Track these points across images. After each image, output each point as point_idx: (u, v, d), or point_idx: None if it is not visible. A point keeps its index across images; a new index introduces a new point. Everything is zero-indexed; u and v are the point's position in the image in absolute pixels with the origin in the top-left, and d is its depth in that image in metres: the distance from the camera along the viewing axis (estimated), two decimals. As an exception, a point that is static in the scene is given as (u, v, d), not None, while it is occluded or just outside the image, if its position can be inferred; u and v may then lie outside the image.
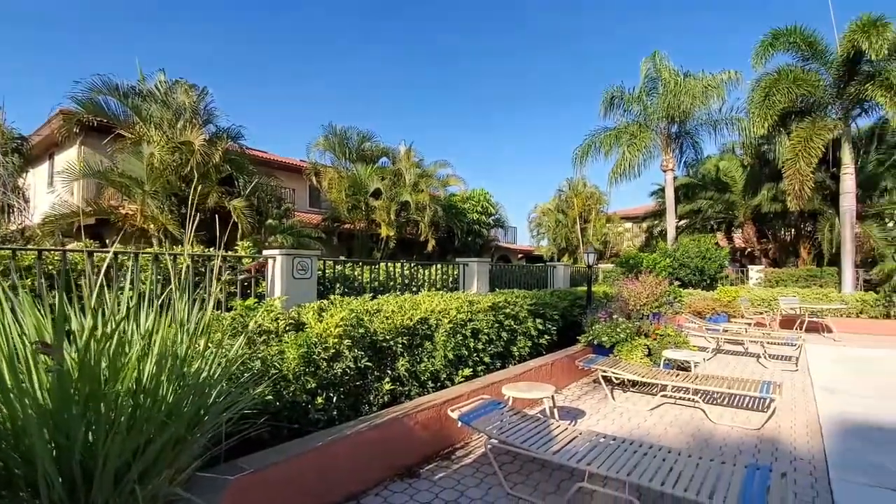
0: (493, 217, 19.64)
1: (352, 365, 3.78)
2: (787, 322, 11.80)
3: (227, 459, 2.69)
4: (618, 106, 17.20)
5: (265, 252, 5.24)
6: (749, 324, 10.57)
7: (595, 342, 6.52)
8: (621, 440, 3.51)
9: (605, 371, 5.53)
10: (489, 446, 3.69)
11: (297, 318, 4.02)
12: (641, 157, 16.11)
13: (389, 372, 4.25)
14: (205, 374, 2.38)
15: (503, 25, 53.85)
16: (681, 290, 11.92)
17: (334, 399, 3.64)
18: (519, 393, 4.34)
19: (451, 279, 8.23)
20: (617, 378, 5.76)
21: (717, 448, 4.18)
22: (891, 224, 16.46)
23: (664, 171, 17.06)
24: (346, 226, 15.41)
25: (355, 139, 15.14)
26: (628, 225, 25.20)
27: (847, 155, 13.79)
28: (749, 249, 19.36)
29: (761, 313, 12.22)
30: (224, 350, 2.64)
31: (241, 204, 9.34)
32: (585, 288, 9.08)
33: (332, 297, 4.77)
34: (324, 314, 3.99)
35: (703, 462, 3.12)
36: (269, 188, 11.12)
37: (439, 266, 8.30)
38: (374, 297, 5.11)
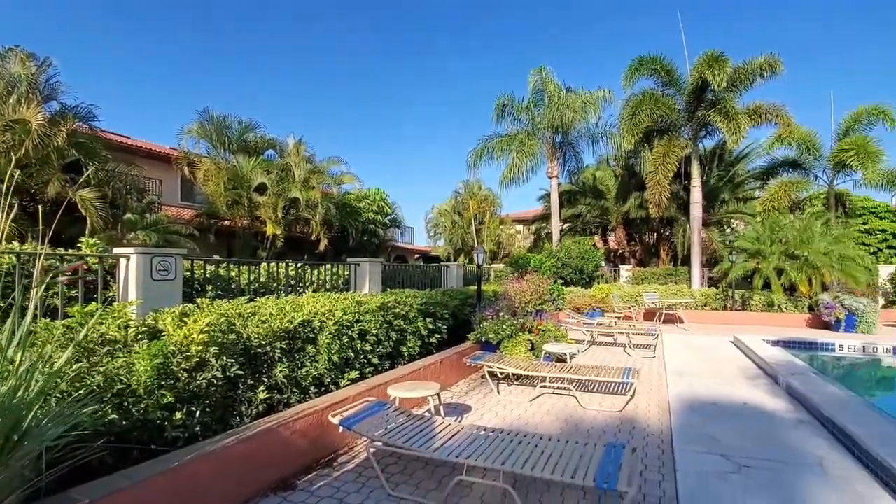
0: (389, 217, 19.62)
1: (219, 374, 3.47)
2: (650, 315, 13.55)
3: (58, 490, 2.31)
4: (509, 114, 18.37)
5: (116, 250, 4.60)
6: (619, 318, 11.93)
7: (483, 339, 6.83)
8: (500, 432, 3.72)
9: (490, 367, 5.82)
10: (371, 450, 3.66)
11: (152, 325, 3.59)
12: (529, 163, 17.43)
13: (266, 380, 3.99)
14: (20, 394, 2.04)
15: (409, 25, 54.20)
16: (563, 288, 13.05)
17: (197, 413, 3.30)
18: (405, 393, 4.37)
19: (341, 280, 8.02)
20: (502, 373, 6.09)
21: (586, 431, 4.63)
22: (728, 230, 19.80)
23: (550, 178, 18.60)
24: (226, 222, 14.22)
25: (236, 128, 14.06)
26: (520, 227, 26.91)
27: (696, 170, 16.27)
28: (621, 251, 21.90)
29: (629, 308, 13.87)
30: (51, 365, 2.27)
31: (90, 195, 8.12)
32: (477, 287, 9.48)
33: (200, 300, 4.34)
34: (186, 319, 3.61)
35: (570, 445, 3.42)
36: (128, 178, 9.82)
37: (329, 266, 8.04)
38: (251, 300, 4.77)
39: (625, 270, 18.06)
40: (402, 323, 5.86)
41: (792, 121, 15.55)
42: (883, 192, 17.56)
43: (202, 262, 5.70)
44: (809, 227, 13.67)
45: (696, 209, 16.16)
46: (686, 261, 18.07)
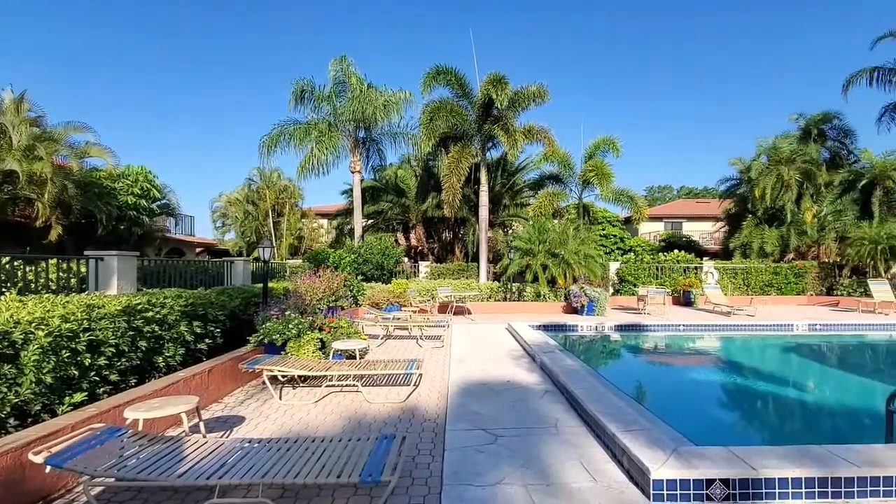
0: (159, 202, 16.63)
1: None
2: (443, 307, 14.74)
3: None
4: (309, 101, 17.66)
5: None
6: (415, 311, 12.61)
7: (266, 341, 6.31)
8: (269, 441, 3.43)
9: (271, 370, 5.38)
10: (93, 490, 2.95)
11: None
12: (331, 155, 17.09)
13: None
14: None
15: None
16: (363, 283, 13.17)
17: None
18: (149, 413, 3.67)
19: (77, 278, 6.39)
20: (285, 376, 5.71)
21: (368, 425, 4.66)
22: (510, 231, 23.00)
23: (353, 173, 18.60)
24: None
25: None
26: (324, 221, 26.22)
27: (484, 176, 18.39)
28: (421, 247, 23.38)
29: (425, 301, 14.84)
30: None
31: None
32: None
33: None
34: None
35: (343, 443, 3.36)
36: None
37: (57, 261, 6.31)
38: None
39: (423, 266, 19.29)
40: (156, 329, 4.96)
41: (555, 142, 18.96)
42: (614, 205, 23.04)
43: None
44: (566, 230, 16.86)
45: (484, 212, 18.29)
46: (476, 257, 20.31)
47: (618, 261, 21.20)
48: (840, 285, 18.63)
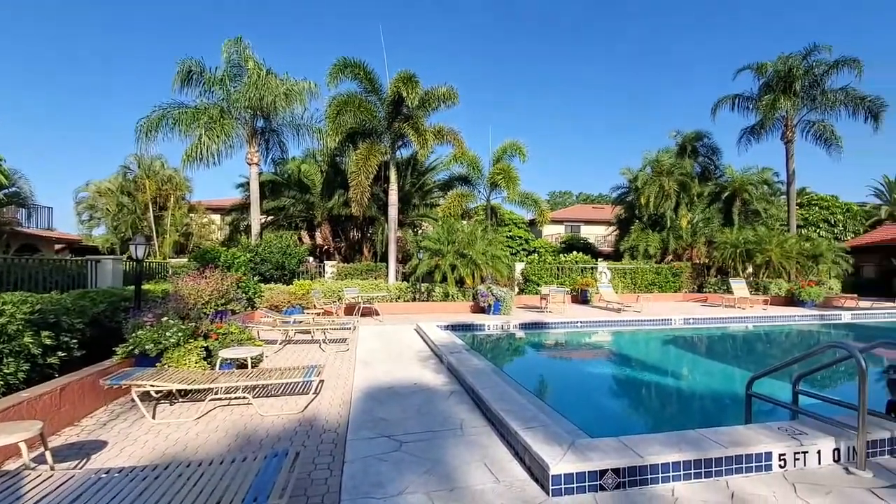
0: (6, 190, 14.09)
1: None
2: (350, 309, 14.28)
3: None
4: (198, 83, 16.10)
5: None
6: (319, 313, 12.05)
7: (138, 352, 5.56)
8: (132, 469, 2.97)
9: (141, 385, 4.73)
10: None
11: None
12: (223, 144, 15.70)
13: None
14: None
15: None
16: (261, 285, 12.28)
17: None
18: (-33, 446, 2.98)
19: None
20: (159, 391, 5.06)
21: (259, 442, 4.27)
22: (420, 231, 23.01)
23: (250, 165, 17.31)
24: None
25: None
26: (216, 217, 24.12)
27: (393, 175, 18.18)
28: (327, 247, 22.47)
29: (331, 303, 14.27)
30: None
31: None
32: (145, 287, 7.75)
33: None
34: None
35: (225, 465, 3.01)
36: None
37: None
38: None
39: (329, 266, 18.57)
40: (-14, 341, 4.10)
41: (464, 144, 19.30)
42: (519, 208, 24.12)
43: None
44: (474, 231, 17.25)
45: (393, 211, 18.08)
46: (385, 257, 20.02)
47: (523, 261, 22.22)
48: (708, 283, 21.35)
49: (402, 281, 17.89)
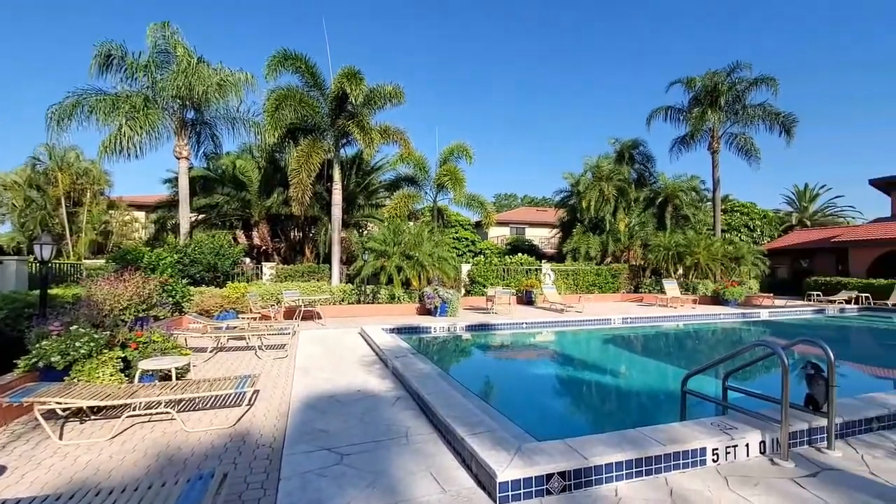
0: None
1: None
2: (290, 313, 13.71)
3: None
4: (119, 68, 14.82)
5: None
6: (255, 318, 11.44)
7: (42, 364, 4.97)
8: (32, 500, 2.59)
9: (45, 402, 4.22)
10: None
11: None
12: (147, 135, 14.54)
13: None
14: None
15: None
16: (190, 288, 11.49)
17: None
18: None
19: None
20: (67, 408, 4.54)
21: (184, 462, 3.91)
22: (365, 232, 22.58)
23: (178, 158, 16.17)
24: None
25: None
26: (140, 214, 22.38)
27: (337, 174, 17.69)
28: (265, 247, 21.50)
29: (270, 307, 13.62)
30: None
31: None
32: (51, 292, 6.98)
33: None
34: None
35: (140, 491, 2.71)
36: None
37: None
38: None
39: (268, 268, 17.76)
40: None
41: (411, 144, 19.15)
42: (466, 209, 24.31)
43: None
44: (420, 233, 17.16)
45: (337, 211, 17.60)
46: (328, 258, 19.44)
47: (469, 263, 22.41)
48: (644, 284, 22.53)
49: (347, 283, 17.45)
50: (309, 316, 13.91)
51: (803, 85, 76.03)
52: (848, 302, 18.71)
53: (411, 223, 20.89)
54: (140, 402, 4.66)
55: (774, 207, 40.98)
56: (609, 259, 25.02)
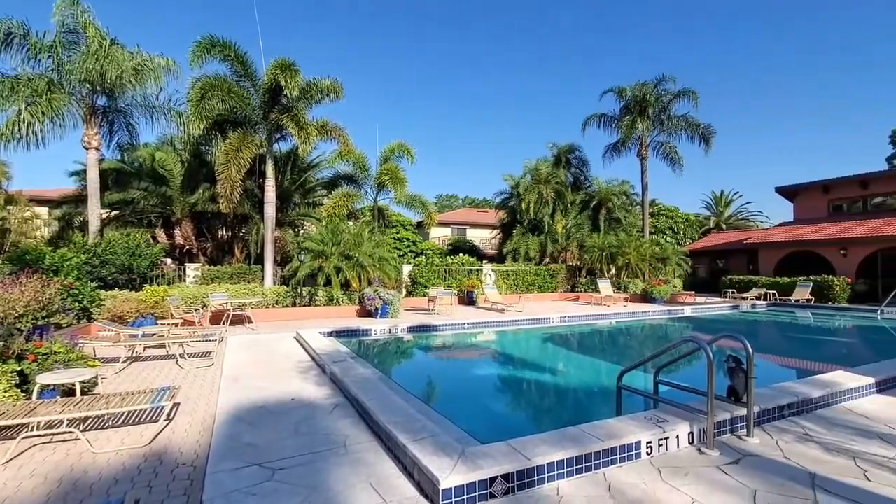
0: None
1: None
2: (217, 317, 12.90)
3: None
4: (20, 48, 13.24)
5: None
6: (177, 324, 10.64)
7: None
8: None
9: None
10: None
11: None
12: (50, 122, 13.08)
13: None
14: None
15: None
16: (101, 292, 10.47)
17: None
18: None
19: None
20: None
21: (90, 487, 3.50)
22: (301, 231, 21.76)
23: (87, 149, 14.67)
24: None
25: None
26: (42, 210, 20.19)
27: (270, 170, 16.89)
28: (189, 247, 20.11)
29: (194, 311, 12.73)
30: None
31: None
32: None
33: None
34: None
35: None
36: None
37: None
38: None
39: (191, 269, 16.61)
40: None
41: (350, 142, 18.69)
42: (407, 210, 24.15)
43: None
44: (361, 233, 16.80)
45: (270, 209, 16.81)
46: (260, 259, 18.53)
47: (411, 263, 22.28)
48: (580, 283, 23.53)
49: (281, 285, 16.72)
50: (239, 320, 13.17)
51: (721, 99, 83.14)
52: (758, 298, 20.57)
53: (351, 223, 20.41)
54: (39, 422, 4.13)
55: (695, 211, 44.42)
56: (547, 259, 25.84)
